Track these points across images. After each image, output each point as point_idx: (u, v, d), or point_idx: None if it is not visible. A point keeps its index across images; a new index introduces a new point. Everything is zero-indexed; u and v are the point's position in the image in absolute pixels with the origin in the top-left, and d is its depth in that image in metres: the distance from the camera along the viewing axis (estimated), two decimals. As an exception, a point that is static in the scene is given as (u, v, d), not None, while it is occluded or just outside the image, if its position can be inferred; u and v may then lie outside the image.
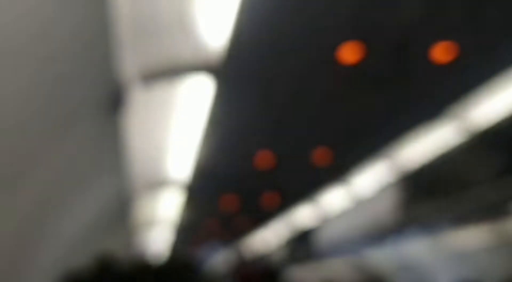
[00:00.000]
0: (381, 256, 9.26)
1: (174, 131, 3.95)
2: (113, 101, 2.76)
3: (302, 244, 9.79)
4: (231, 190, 5.39)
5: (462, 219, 6.18)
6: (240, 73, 2.83)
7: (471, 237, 6.91)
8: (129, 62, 2.68)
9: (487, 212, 5.69)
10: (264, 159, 4.28)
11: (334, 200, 7.77)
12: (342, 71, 2.76)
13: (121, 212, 5.40)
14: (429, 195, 5.79)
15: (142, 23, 2.54)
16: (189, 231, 8.56)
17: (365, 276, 7.32)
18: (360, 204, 6.89)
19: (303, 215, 9.04)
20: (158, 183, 5.35)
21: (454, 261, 7.54)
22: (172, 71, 2.88)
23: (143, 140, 4.04)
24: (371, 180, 6.49)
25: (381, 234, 7.03)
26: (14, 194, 2.06)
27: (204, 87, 3.06)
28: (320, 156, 4.35)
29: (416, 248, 8.08)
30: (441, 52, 2.61)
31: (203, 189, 5.33)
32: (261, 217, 7.15)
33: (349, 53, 2.63)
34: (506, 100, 4.25)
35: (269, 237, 12.03)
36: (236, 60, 2.72)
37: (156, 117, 3.74)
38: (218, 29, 2.58)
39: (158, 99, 3.39)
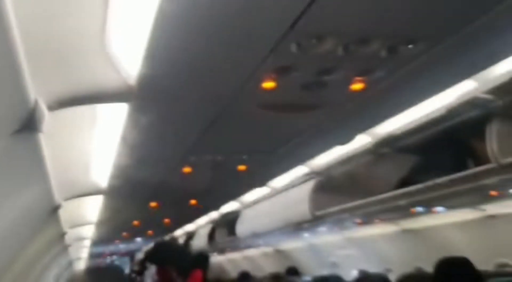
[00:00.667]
0: (296, 247, 9.36)
1: (92, 149, 3.62)
2: (28, 123, 2.37)
3: (225, 236, 9.64)
4: (155, 197, 5.05)
5: (370, 219, 6.27)
6: (155, 96, 2.48)
7: (377, 231, 7.05)
8: (41, 85, 2.30)
9: (392, 214, 5.78)
10: (183, 170, 3.96)
11: (256, 199, 7.65)
12: (262, 94, 2.48)
13: (49, 218, 4.99)
14: (340, 197, 5.76)
15: (52, 46, 2.16)
16: (116, 231, 8.13)
17: (282, 265, 7.26)
18: (279, 202, 6.82)
19: (226, 211, 8.84)
20: (82, 193, 4.98)
21: (362, 251, 7.70)
22: (85, 96, 2.52)
23: (63, 157, 3.66)
24: (288, 183, 6.42)
25: (297, 228, 7.01)
26: None
27: (118, 110, 2.74)
28: (243, 167, 4.09)
29: (328, 240, 8.19)
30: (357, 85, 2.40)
31: (124, 197, 4.97)
32: (184, 217, 6.85)
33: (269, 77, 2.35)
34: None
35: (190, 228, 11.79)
36: (150, 85, 2.38)
37: (73, 137, 3.36)
38: (131, 54, 2.24)
39: (73, 121, 3.02)
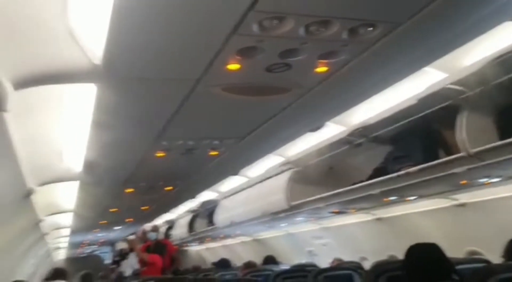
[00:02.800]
0: (274, 237, 9.43)
1: (63, 132, 3.60)
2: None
3: (204, 225, 9.68)
4: (131, 183, 5.03)
5: (345, 208, 6.34)
6: (121, 77, 2.48)
7: (352, 221, 7.14)
8: (5, 64, 2.29)
9: (367, 203, 5.86)
10: (156, 155, 3.95)
11: (234, 189, 7.70)
12: (227, 76, 2.49)
13: (22, 204, 4.95)
14: (316, 187, 5.82)
15: (15, 26, 2.15)
16: (95, 219, 8.09)
17: (260, 254, 7.29)
18: (256, 192, 6.87)
19: (203, 198, 8.86)
20: (56, 178, 4.95)
21: (338, 241, 7.79)
22: (51, 76, 2.50)
23: (34, 140, 3.64)
24: (265, 173, 6.48)
25: (275, 218, 7.06)
26: None
27: (87, 91, 2.73)
28: (214, 152, 4.09)
29: (305, 230, 8.27)
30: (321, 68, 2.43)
31: (99, 183, 4.95)
32: (161, 205, 6.84)
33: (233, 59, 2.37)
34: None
35: (170, 218, 11.81)
36: (116, 65, 2.38)
37: (42, 119, 3.34)
38: (96, 33, 2.24)
39: (41, 101, 3.01)
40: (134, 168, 4.42)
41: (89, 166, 4.27)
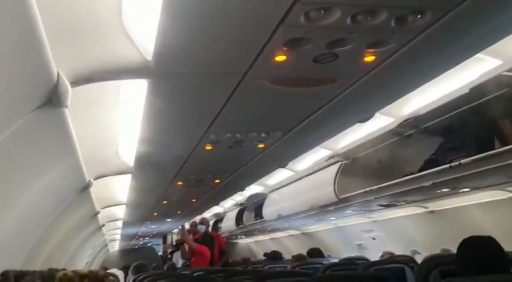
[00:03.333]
0: (323, 230, 9.40)
1: (116, 127, 3.76)
2: (52, 97, 2.49)
3: (252, 218, 9.78)
4: (180, 176, 5.18)
5: (395, 201, 6.24)
6: (171, 72, 2.57)
7: (403, 214, 7.02)
8: (62, 61, 2.41)
9: (418, 195, 5.75)
10: (205, 148, 4.04)
11: (281, 181, 7.74)
12: (274, 68, 2.53)
13: (81, 196, 5.20)
14: (365, 179, 5.77)
15: (71, 22, 2.26)
16: (147, 211, 8.35)
17: (309, 247, 7.30)
18: (305, 185, 6.89)
19: (251, 192, 8.96)
20: (110, 172, 5.16)
21: (388, 234, 7.68)
22: (104, 72, 2.62)
23: (90, 134, 3.81)
24: (313, 166, 6.48)
25: (323, 211, 7.05)
26: None
27: (140, 87, 2.83)
28: (262, 145, 4.13)
29: (354, 223, 8.20)
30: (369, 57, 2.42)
31: (150, 176, 5.12)
32: (210, 197, 6.97)
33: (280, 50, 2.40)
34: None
35: (218, 211, 12.00)
36: (166, 60, 2.47)
37: (97, 115, 3.51)
38: (148, 30, 2.33)
39: (96, 98, 3.16)
40: (184, 161, 4.54)
41: (141, 160, 4.43)
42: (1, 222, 3.16)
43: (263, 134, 3.78)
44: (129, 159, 4.61)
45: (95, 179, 5.04)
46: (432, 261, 4.13)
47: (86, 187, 4.89)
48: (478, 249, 2.81)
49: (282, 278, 3.35)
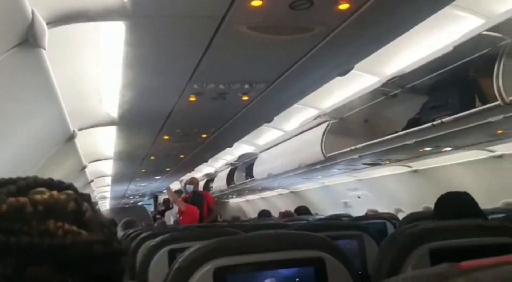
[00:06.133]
0: (310, 189, 9.59)
1: (98, 74, 3.78)
2: (28, 36, 2.51)
3: (243, 178, 9.94)
4: (166, 130, 5.24)
5: (380, 160, 6.37)
6: (149, 15, 2.60)
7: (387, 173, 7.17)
8: (39, 1, 2.44)
9: (402, 154, 5.87)
10: (188, 100, 4.09)
11: (271, 140, 7.86)
12: (251, 13, 2.56)
13: (67, 146, 5.26)
14: (352, 139, 5.88)
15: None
16: (132, 167, 8.44)
17: (297, 205, 7.49)
18: (293, 145, 7.01)
19: (242, 152, 9.11)
20: (95, 122, 5.21)
21: (373, 192, 7.87)
22: (82, 12, 2.65)
23: (71, 80, 3.84)
24: (302, 126, 6.59)
25: (311, 170, 7.20)
26: None
27: (117, 29, 2.86)
28: (246, 98, 4.19)
29: (340, 182, 8.37)
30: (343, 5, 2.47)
31: (136, 128, 5.17)
32: (199, 154, 7.07)
33: None
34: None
35: (209, 171, 12.18)
36: (143, 1, 2.49)
37: (77, 59, 3.52)
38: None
39: (75, 41, 3.18)
40: (168, 114, 4.59)
41: (125, 111, 4.48)
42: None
43: (246, 86, 3.83)
44: (114, 110, 4.65)
45: (80, 129, 5.09)
46: (412, 216, 4.30)
47: (71, 137, 4.95)
48: (454, 203, 2.95)
49: (266, 229, 3.48)
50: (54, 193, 0.76)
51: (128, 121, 4.88)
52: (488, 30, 3.57)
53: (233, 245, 1.73)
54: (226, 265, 1.64)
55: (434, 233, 1.93)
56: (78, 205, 0.76)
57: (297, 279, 1.69)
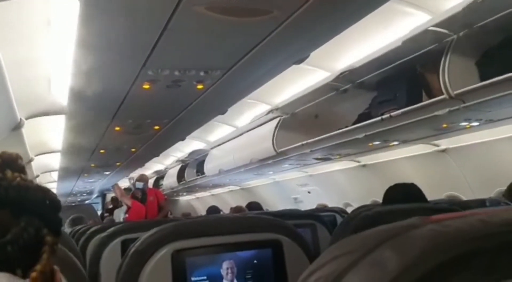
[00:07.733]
0: (261, 185, 9.61)
1: (48, 59, 3.61)
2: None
3: (194, 175, 9.83)
4: (118, 120, 5.07)
5: (330, 154, 6.46)
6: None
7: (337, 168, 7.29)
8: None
9: (351, 149, 5.97)
10: (142, 87, 3.97)
11: (222, 137, 7.81)
12: None
13: (13, 136, 4.99)
14: (303, 134, 5.93)
15: None
16: (81, 161, 8.15)
17: (248, 201, 7.46)
18: (245, 141, 6.99)
19: (193, 148, 9.01)
20: (43, 110, 4.99)
21: (323, 188, 7.97)
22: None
23: (17, 66, 3.65)
24: (253, 122, 6.59)
25: (262, 166, 7.21)
26: None
27: (70, 5, 2.74)
28: (201, 86, 4.12)
29: (291, 178, 8.43)
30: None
31: (86, 118, 4.97)
32: (150, 147, 6.91)
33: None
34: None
35: (159, 168, 11.98)
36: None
37: (25, 40, 3.35)
38: None
39: (22, 19, 3.02)
40: (121, 102, 4.45)
41: (75, 98, 4.30)
42: None
43: (201, 73, 3.77)
44: (63, 97, 4.46)
45: (27, 118, 4.85)
46: (359, 209, 4.39)
47: (18, 127, 4.71)
48: (402, 193, 3.01)
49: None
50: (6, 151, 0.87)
51: (78, 109, 4.69)
52: (435, 25, 3.70)
53: (191, 228, 1.70)
54: (185, 247, 1.61)
55: (388, 214, 1.98)
56: (23, 162, 0.88)
57: (255, 261, 1.70)
